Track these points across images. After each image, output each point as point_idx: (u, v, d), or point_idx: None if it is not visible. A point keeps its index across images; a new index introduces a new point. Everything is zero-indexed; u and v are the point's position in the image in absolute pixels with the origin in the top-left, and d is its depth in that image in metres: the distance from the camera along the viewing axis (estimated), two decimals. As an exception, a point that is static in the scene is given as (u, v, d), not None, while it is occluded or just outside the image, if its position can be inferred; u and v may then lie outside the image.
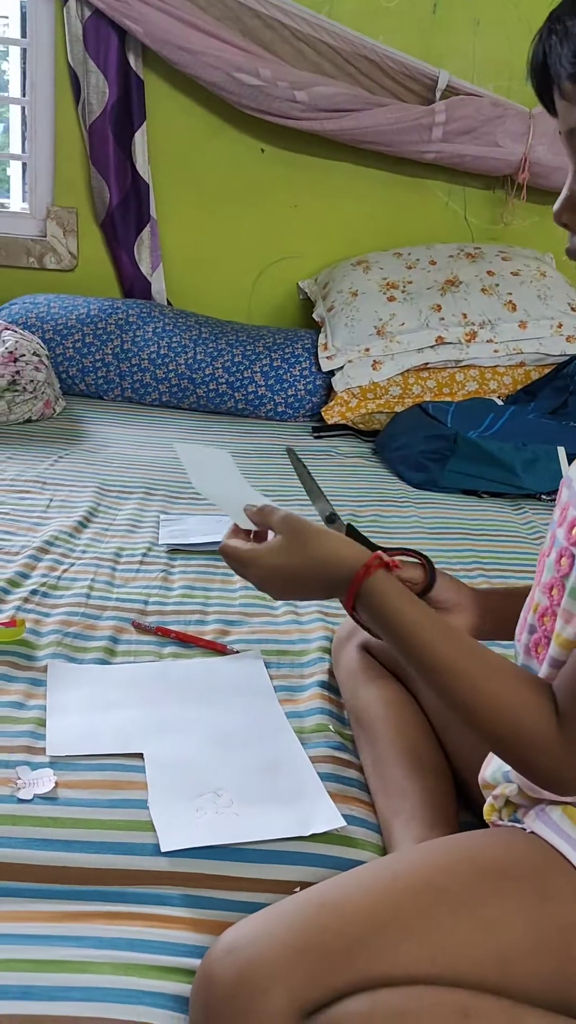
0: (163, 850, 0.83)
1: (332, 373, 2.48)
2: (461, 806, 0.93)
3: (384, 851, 0.87)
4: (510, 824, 0.76)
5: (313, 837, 0.86)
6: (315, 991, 0.61)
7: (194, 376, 2.49)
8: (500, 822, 0.78)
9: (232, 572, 1.44)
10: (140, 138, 2.58)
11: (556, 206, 0.72)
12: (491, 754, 0.82)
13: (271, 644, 1.26)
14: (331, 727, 1.06)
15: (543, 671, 0.74)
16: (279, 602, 1.39)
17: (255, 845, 0.85)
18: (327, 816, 0.89)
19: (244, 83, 2.44)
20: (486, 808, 0.80)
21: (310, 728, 1.06)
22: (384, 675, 1.07)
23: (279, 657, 1.23)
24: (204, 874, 0.82)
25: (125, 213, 2.64)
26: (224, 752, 0.99)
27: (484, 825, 0.89)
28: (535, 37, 0.70)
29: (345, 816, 0.89)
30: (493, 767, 0.81)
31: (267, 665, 1.20)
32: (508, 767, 0.76)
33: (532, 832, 0.72)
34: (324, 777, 0.96)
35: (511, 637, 0.85)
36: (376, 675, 1.07)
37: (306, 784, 0.94)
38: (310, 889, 0.70)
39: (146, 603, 1.36)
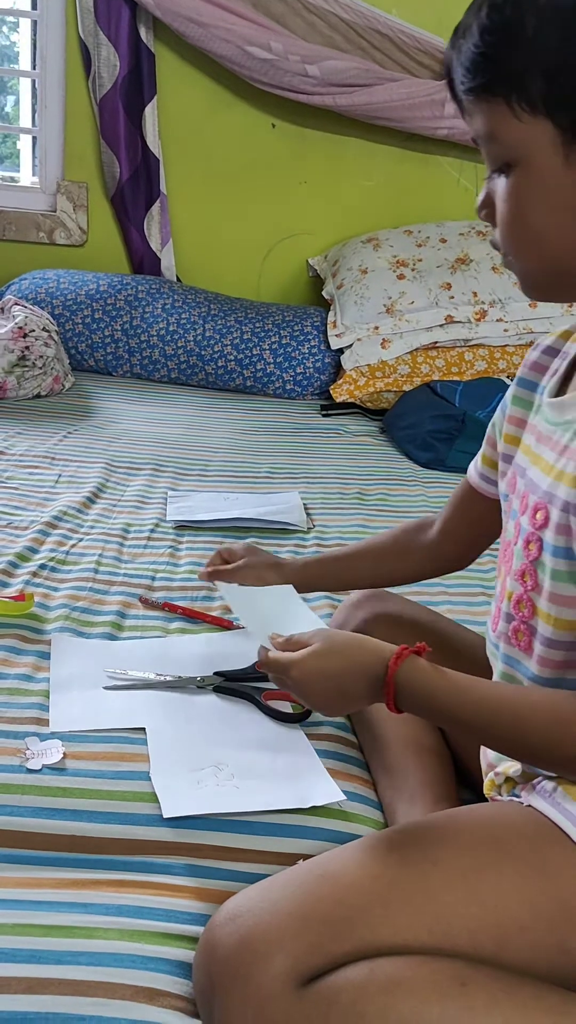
0: (165, 816, 0.85)
1: (341, 351, 2.48)
2: (460, 786, 0.94)
3: (384, 825, 0.89)
4: (509, 799, 0.78)
5: (313, 811, 0.88)
6: (315, 958, 0.63)
7: (203, 353, 2.49)
8: (499, 797, 0.79)
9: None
10: (151, 112, 2.57)
11: (477, 203, 0.74)
12: None
13: (276, 621, 1.27)
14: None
15: (536, 653, 0.75)
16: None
17: (256, 817, 0.87)
18: (327, 791, 0.90)
19: (255, 57, 2.43)
20: (486, 784, 0.81)
21: (313, 705, 1.07)
22: None
23: (284, 634, 1.24)
24: (207, 844, 0.84)
25: (135, 188, 2.63)
26: (225, 728, 1.01)
27: (481, 799, 0.91)
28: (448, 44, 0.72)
29: (346, 792, 0.91)
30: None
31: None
32: None
33: (530, 806, 0.73)
34: (326, 755, 0.98)
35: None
36: None
37: (307, 761, 0.96)
38: (311, 860, 0.72)
39: (153, 579, 1.38)
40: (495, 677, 0.84)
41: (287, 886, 0.68)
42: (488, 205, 0.73)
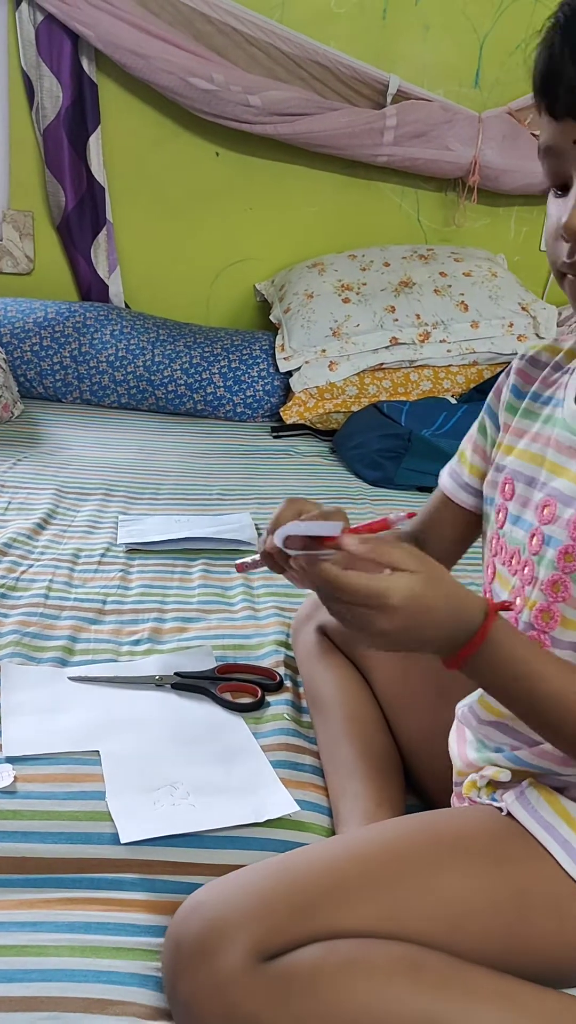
0: (122, 841, 0.86)
1: (290, 374, 2.52)
2: (408, 788, 0.96)
3: (333, 831, 0.90)
4: (487, 803, 0.79)
5: (267, 822, 0.89)
6: (276, 938, 0.64)
7: (152, 378, 2.51)
8: (478, 799, 0.80)
9: (189, 570, 1.50)
10: (95, 142, 2.59)
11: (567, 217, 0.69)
12: (469, 736, 0.85)
13: (228, 639, 1.28)
14: (286, 715, 1.09)
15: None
16: (238, 599, 1.41)
17: (211, 832, 0.88)
18: (281, 802, 0.92)
19: (197, 87, 2.47)
20: (467, 784, 0.82)
21: (266, 717, 1.09)
22: (339, 658, 1.10)
23: (235, 651, 1.25)
24: (160, 861, 0.84)
25: (81, 216, 2.65)
26: (180, 746, 1.02)
27: (429, 806, 0.93)
28: (547, 42, 0.67)
29: (298, 801, 0.92)
30: (475, 749, 0.83)
31: (224, 659, 1.22)
32: (496, 751, 0.80)
33: (508, 814, 0.75)
34: (278, 764, 0.99)
35: None
36: (332, 657, 1.10)
37: (260, 773, 0.97)
38: (276, 856, 0.74)
39: (104, 603, 1.38)
40: None
41: (252, 875, 0.70)
42: None
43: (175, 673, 1.16)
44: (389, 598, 0.66)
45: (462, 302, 2.53)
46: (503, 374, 0.90)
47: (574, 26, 0.65)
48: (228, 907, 0.66)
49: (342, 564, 0.67)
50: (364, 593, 0.66)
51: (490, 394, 0.91)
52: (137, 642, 1.27)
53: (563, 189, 0.70)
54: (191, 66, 2.45)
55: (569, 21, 0.65)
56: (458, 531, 0.97)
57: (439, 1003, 0.63)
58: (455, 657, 0.69)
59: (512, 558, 0.81)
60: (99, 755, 0.99)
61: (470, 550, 1.00)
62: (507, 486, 0.83)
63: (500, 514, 0.84)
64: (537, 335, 2.53)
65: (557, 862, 0.71)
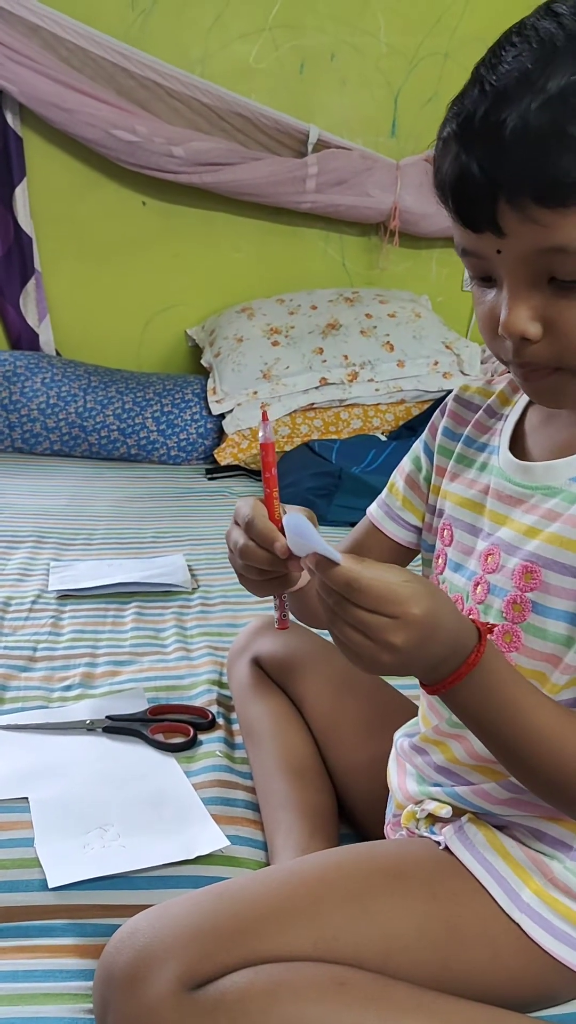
0: (50, 886, 0.85)
1: (222, 416, 2.54)
2: (342, 819, 0.97)
3: (268, 865, 0.91)
4: (425, 835, 0.79)
5: (198, 859, 0.89)
6: (205, 966, 0.64)
7: (85, 424, 2.51)
8: (416, 831, 0.81)
9: (122, 614, 1.50)
10: (21, 193, 2.62)
11: (521, 326, 0.64)
12: (410, 768, 0.85)
13: (160, 680, 1.29)
14: (218, 752, 1.09)
15: None
16: (171, 641, 1.41)
17: (142, 873, 0.88)
18: (211, 838, 0.92)
19: (121, 139, 2.51)
20: (405, 815, 0.82)
21: (199, 756, 1.09)
22: (274, 690, 1.11)
23: (168, 692, 1.25)
24: (91, 904, 0.84)
25: (9, 267, 2.66)
26: (110, 789, 1.01)
27: (362, 838, 0.94)
28: (451, 153, 0.62)
29: (230, 836, 0.93)
30: (415, 782, 0.84)
31: (156, 700, 1.22)
32: (437, 785, 0.80)
33: (446, 848, 0.75)
34: (210, 801, 0.99)
35: None
36: (266, 690, 1.11)
37: (191, 810, 0.97)
38: (210, 885, 0.73)
39: (35, 650, 1.37)
40: (443, 724, 0.81)
41: (185, 903, 0.70)
42: (542, 320, 0.64)
43: (106, 717, 1.15)
44: (411, 606, 0.61)
45: (388, 342, 2.59)
46: (438, 411, 0.90)
47: (481, 146, 0.60)
48: (159, 936, 0.66)
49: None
50: (387, 598, 0.61)
51: (426, 430, 0.91)
52: (68, 688, 1.27)
53: (485, 280, 0.68)
54: (114, 119, 2.49)
55: (474, 138, 0.60)
56: (382, 561, 0.98)
57: (364, 1017, 0.63)
58: (447, 679, 0.65)
59: (456, 602, 0.79)
60: (28, 802, 0.98)
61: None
62: (446, 531, 0.83)
63: (440, 560, 0.84)
64: (462, 372, 2.60)
65: (493, 899, 0.72)
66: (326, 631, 0.71)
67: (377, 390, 2.55)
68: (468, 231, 0.64)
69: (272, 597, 0.77)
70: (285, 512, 0.72)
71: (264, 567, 0.72)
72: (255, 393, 2.51)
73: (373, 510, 0.95)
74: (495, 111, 0.59)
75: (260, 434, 0.73)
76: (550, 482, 0.74)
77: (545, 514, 0.73)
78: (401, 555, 0.93)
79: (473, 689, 0.66)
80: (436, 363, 2.58)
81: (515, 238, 0.61)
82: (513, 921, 0.71)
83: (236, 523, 0.74)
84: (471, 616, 0.76)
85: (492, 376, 0.87)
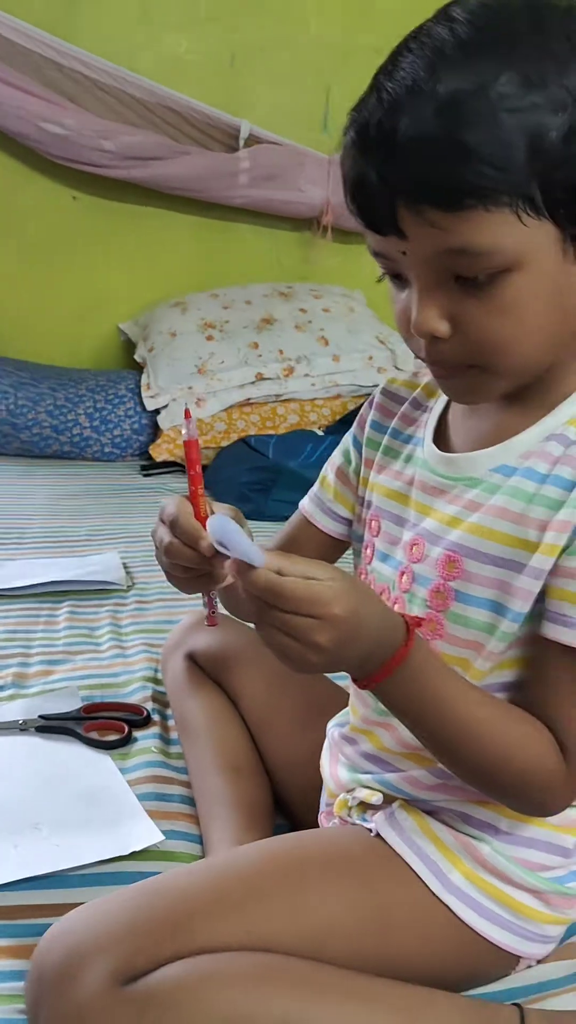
0: (-19, 887, 0.84)
1: (157, 412, 2.53)
2: (277, 810, 0.98)
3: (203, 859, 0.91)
4: (357, 823, 0.80)
5: (134, 855, 0.89)
6: (138, 961, 0.64)
7: (16, 421, 2.47)
8: (348, 819, 0.81)
9: (55, 613, 1.49)
10: (-53, 187, 2.56)
11: (428, 324, 0.65)
12: (340, 757, 0.86)
13: (95, 679, 1.27)
14: (153, 748, 1.09)
15: None
16: (106, 639, 1.40)
17: (76, 871, 0.87)
18: (146, 833, 0.91)
19: (50, 132, 2.48)
20: (338, 803, 0.83)
21: (134, 752, 1.08)
22: (208, 685, 1.11)
23: (103, 690, 1.24)
24: (24, 905, 0.83)
25: None
26: (42, 789, 1.00)
27: (298, 827, 0.94)
28: (351, 159, 0.63)
29: (166, 831, 0.92)
30: (346, 770, 0.84)
31: (90, 699, 1.21)
32: (367, 772, 0.81)
33: (377, 835, 0.76)
34: (146, 797, 0.99)
35: None
36: (201, 685, 1.11)
37: (125, 807, 0.96)
38: (143, 880, 0.73)
39: (-34, 650, 1.35)
40: (370, 713, 0.82)
41: (119, 899, 0.69)
42: (450, 318, 0.65)
43: (39, 716, 1.14)
44: (333, 607, 0.61)
45: (323, 337, 2.60)
46: (366, 404, 0.91)
47: (378, 152, 0.61)
48: (90, 933, 0.66)
49: (275, 570, 0.62)
50: (309, 600, 0.61)
51: (355, 423, 0.91)
52: (0, 688, 1.25)
53: (398, 278, 0.68)
54: (42, 111, 2.46)
55: (373, 145, 0.61)
56: (313, 555, 0.97)
57: (298, 1003, 0.64)
58: (375, 674, 0.66)
59: (382, 594, 0.81)
60: (-41, 805, 0.96)
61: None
62: (373, 523, 0.84)
63: (368, 550, 0.84)
64: (396, 367, 2.62)
65: (424, 883, 0.73)
66: None
67: (313, 385, 2.56)
68: (374, 233, 0.65)
69: (200, 594, 0.77)
70: (212, 511, 0.72)
71: (190, 565, 0.71)
72: (190, 388, 2.50)
73: (306, 504, 0.95)
74: (389, 119, 0.60)
75: (183, 432, 0.73)
76: (471, 473, 0.75)
77: (466, 504, 0.74)
78: (333, 548, 0.93)
79: (401, 683, 0.67)
80: (371, 357, 2.60)
81: (416, 241, 0.63)
82: (443, 903, 0.73)
83: (162, 521, 0.73)
84: (396, 606, 0.77)
85: (419, 369, 0.87)
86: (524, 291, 0.63)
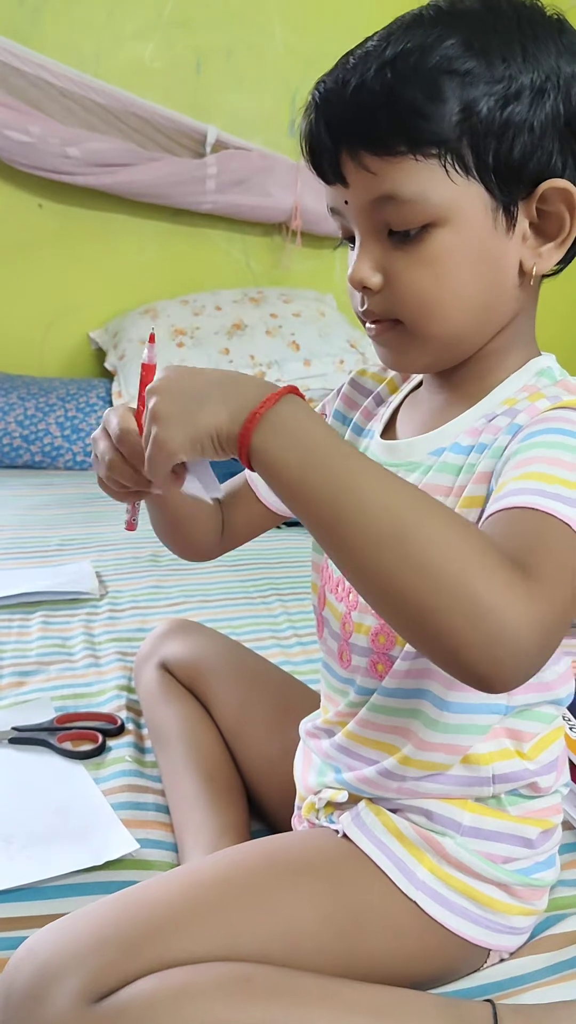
0: (-48, 903, 0.82)
1: (129, 420, 2.51)
2: (253, 816, 0.97)
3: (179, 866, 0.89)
4: (325, 824, 0.80)
5: (108, 865, 0.87)
6: (109, 977, 0.63)
7: (-14, 432, 2.45)
8: (316, 821, 0.81)
9: (27, 623, 1.46)
10: None
11: (361, 272, 0.69)
12: (315, 760, 0.85)
13: (68, 689, 1.26)
14: (127, 757, 1.07)
15: (397, 671, 0.75)
16: (79, 648, 1.38)
17: (50, 882, 0.85)
18: (120, 842, 0.90)
19: (14, 140, 2.46)
20: (305, 806, 0.83)
21: (108, 762, 1.07)
22: (181, 694, 1.10)
23: (76, 700, 1.23)
24: (-3, 919, 0.81)
25: None
26: (14, 801, 0.98)
27: (274, 831, 0.94)
28: (307, 117, 0.69)
29: (140, 840, 0.91)
30: (316, 773, 0.84)
31: (64, 709, 1.19)
32: (334, 775, 0.80)
33: (344, 836, 0.76)
34: (120, 806, 0.97)
35: None
36: (174, 694, 1.10)
37: (99, 816, 0.95)
38: (112, 895, 0.72)
39: None
40: (342, 707, 0.81)
41: (88, 914, 0.68)
42: (383, 271, 0.69)
43: (11, 728, 1.12)
44: (155, 381, 0.65)
45: (294, 341, 2.60)
46: (333, 392, 0.91)
47: (328, 106, 0.68)
48: (60, 950, 0.64)
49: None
50: (142, 396, 0.67)
51: (319, 409, 0.91)
52: (-27, 701, 1.23)
53: (351, 241, 0.72)
54: (6, 119, 2.44)
55: (324, 101, 0.68)
56: (243, 517, 0.93)
57: (272, 1011, 0.63)
58: (246, 430, 0.60)
59: (338, 586, 0.82)
60: None
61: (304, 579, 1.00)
62: None
63: None
64: (367, 370, 2.63)
65: (391, 881, 0.73)
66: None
67: (284, 389, 2.55)
68: (326, 185, 0.70)
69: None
70: None
71: (129, 483, 0.73)
72: (162, 395, 2.48)
73: (249, 472, 0.88)
74: (341, 77, 0.66)
75: (144, 354, 0.74)
76: (411, 458, 0.77)
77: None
78: (267, 518, 0.93)
79: (282, 438, 0.60)
80: (342, 361, 2.60)
81: (355, 188, 0.68)
82: (411, 900, 0.72)
83: (106, 432, 0.73)
84: (352, 595, 0.79)
85: None
86: (449, 247, 0.67)
